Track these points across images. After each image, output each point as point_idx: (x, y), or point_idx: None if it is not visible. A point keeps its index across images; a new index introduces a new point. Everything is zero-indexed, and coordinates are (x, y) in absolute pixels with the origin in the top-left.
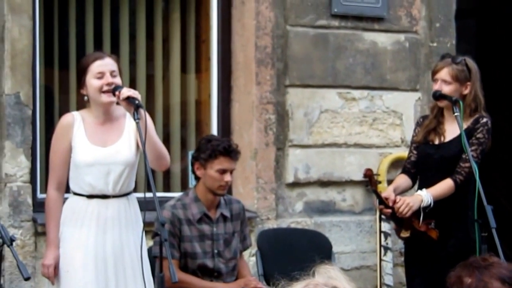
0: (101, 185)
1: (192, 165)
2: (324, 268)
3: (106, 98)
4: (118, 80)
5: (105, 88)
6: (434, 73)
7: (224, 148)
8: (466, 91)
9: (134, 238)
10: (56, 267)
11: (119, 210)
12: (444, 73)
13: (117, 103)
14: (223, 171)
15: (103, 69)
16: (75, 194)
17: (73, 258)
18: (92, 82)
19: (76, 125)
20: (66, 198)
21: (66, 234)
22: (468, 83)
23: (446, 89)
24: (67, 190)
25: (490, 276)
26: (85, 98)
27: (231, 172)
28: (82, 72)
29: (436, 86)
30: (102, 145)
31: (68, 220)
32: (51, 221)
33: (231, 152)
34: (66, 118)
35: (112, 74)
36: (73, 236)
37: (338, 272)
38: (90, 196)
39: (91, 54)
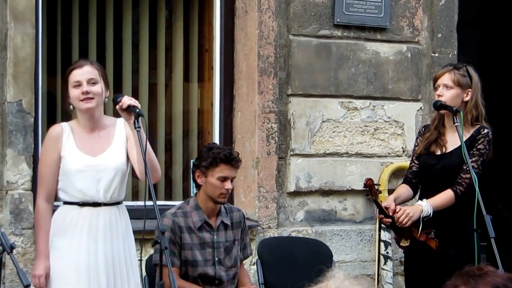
0: (92, 191)
1: (193, 173)
2: (334, 273)
3: (84, 104)
4: (96, 88)
5: (81, 97)
6: (436, 80)
7: (225, 155)
8: (467, 98)
9: (125, 248)
10: (47, 277)
11: (110, 220)
12: (446, 78)
13: (116, 114)
14: (224, 179)
15: (79, 78)
16: (66, 203)
17: (66, 269)
18: (71, 92)
19: (65, 136)
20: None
21: (57, 244)
22: (469, 89)
23: (448, 94)
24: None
25: (485, 284)
26: (71, 107)
27: (232, 180)
28: (65, 82)
29: (438, 92)
30: (92, 154)
31: (59, 230)
32: (41, 231)
33: (232, 160)
34: (55, 129)
35: (89, 82)
36: (65, 246)
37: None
38: (82, 204)
39: (73, 63)
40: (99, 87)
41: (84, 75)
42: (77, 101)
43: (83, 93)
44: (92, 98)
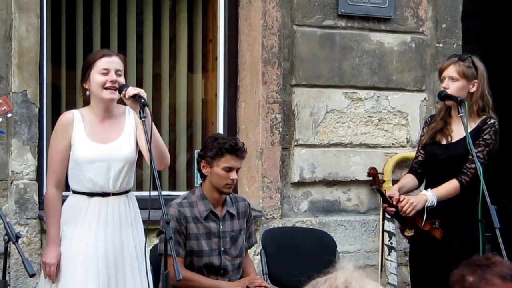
0: (102, 181)
1: (198, 163)
2: (343, 265)
3: (108, 94)
4: (121, 80)
5: (108, 84)
6: (441, 71)
7: (230, 146)
8: (473, 89)
9: (134, 236)
10: (58, 266)
11: (119, 208)
12: (451, 70)
13: (121, 102)
14: (229, 169)
15: (109, 66)
16: (75, 192)
17: (75, 258)
18: (96, 77)
19: (75, 123)
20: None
21: (68, 234)
22: (475, 80)
23: (453, 86)
24: (66, 188)
25: (492, 274)
26: (87, 93)
27: (237, 170)
28: (88, 67)
29: (444, 84)
30: (102, 141)
31: (69, 219)
32: (52, 218)
33: (238, 150)
34: (65, 116)
35: (117, 72)
36: (74, 235)
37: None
38: (91, 194)
39: (100, 50)
40: (123, 80)
41: (114, 65)
42: (100, 88)
43: (111, 81)
44: (116, 89)
